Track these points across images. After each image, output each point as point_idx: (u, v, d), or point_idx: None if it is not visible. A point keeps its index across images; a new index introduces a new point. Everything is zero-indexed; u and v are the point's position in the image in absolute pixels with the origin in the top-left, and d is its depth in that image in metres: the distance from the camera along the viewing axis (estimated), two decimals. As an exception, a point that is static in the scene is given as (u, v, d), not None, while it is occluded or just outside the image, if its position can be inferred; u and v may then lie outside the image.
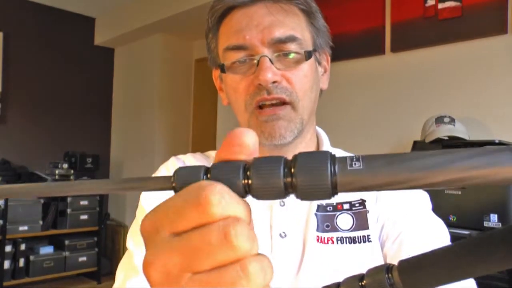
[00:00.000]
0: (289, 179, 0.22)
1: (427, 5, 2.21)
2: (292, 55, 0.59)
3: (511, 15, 1.94)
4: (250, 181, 0.23)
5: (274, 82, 0.58)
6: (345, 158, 0.22)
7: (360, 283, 0.25)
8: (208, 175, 0.23)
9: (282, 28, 0.59)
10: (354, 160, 0.22)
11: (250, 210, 0.23)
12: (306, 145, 0.65)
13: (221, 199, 0.21)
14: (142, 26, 3.76)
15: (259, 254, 0.22)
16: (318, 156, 0.22)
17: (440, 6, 2.15)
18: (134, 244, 0.61)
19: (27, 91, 3.84)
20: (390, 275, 0.25)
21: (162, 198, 0.24)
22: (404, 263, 0.25)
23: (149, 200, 0.64)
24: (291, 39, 0.59)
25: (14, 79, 3.75)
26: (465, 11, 2.07)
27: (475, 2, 2.04)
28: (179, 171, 0.24)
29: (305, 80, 0.60)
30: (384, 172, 0.21)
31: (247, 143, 0.24)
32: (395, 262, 0.26)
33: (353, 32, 2.51)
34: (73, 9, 4.08)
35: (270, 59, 0.58)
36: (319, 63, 0.66)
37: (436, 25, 2.17)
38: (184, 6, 3.31)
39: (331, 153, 0.22)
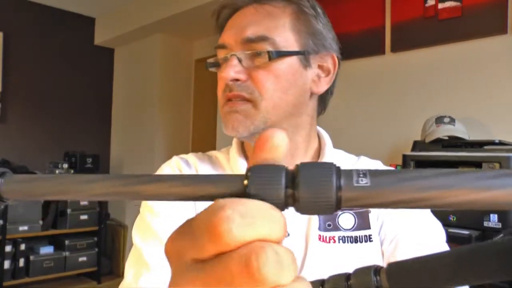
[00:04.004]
0: (290, 191, 0.20)
1: (427, 5, 2.20)
2: (262, 55, 0.59)
3: (511, 15, 1.94)
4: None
5: (237, 80, 0.59)
6: (351, 172, 0.21)
7: (346, 283, 0.25)
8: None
9: (255, 28, 0.59)
10: (361, 175, 0.20)
11: (282, 222, 0.20)
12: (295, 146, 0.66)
13: (231, 226, 0.19)
14: (142, 26, 3.76)
15: (296, 280, 0.19)
16: (323, 168, 0.21)
17: (440, 6, 2.15)
18: (142, 240, 0.60)
19: (27, 91, 3.84)
20: (378, 277, 0.24)
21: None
22: (393, 266, 0.24)
23: None
24: (262, 38, 0.59)
25: (14, 79, 3.75)
26: (465, 11, 2.07)
27: (475, 2, 2.04)
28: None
29: (276, 80, 0.60)
30: (391, 190, 0.20)
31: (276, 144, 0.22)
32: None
33: (353, 32, 2.51)
34: (73, 9, 4.08)
35: (239, 58, 0.59)
36: (309, 66, 0.63)
37: (436, 25, 2.17)
38: (184, 6, 3.31)
39: (335, 165, 0.21)
